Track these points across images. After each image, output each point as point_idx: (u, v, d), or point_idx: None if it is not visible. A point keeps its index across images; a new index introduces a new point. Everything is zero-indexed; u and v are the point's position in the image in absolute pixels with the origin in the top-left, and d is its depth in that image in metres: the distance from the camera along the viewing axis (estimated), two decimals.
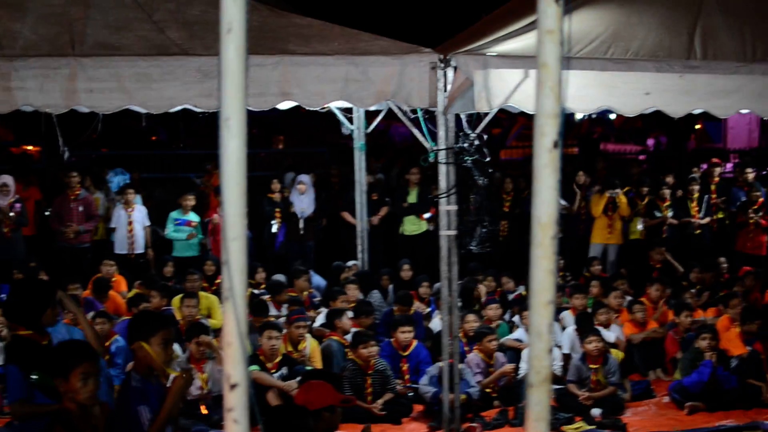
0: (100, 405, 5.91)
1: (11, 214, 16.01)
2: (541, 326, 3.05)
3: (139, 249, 16.95)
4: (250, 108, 10.03)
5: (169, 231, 16.85)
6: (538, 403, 3.07)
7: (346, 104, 12.58)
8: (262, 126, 28.14)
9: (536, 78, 2.99)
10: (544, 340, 3.05)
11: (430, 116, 10.13)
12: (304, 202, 17.39)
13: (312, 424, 6.22)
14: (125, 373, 8.17)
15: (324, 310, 13.87)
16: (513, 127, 32.42)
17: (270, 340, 11.30)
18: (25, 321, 7.01)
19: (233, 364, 3.03)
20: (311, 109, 10.58)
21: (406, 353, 12.37)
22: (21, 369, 6.72)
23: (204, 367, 11.33)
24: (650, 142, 33.22)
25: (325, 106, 11.70)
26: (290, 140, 29.57)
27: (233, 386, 3.03)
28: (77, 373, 5.65)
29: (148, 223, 17.06)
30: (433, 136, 9.97)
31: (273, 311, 13.70)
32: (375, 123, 15.13)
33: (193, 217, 16.85)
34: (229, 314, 3.04)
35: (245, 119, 3.05)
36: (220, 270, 10.89)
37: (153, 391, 6.14)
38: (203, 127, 25.88)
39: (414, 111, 10.43)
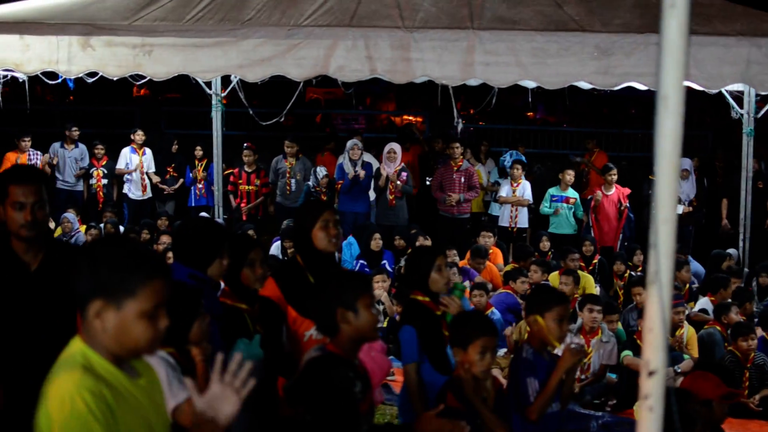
0: (492, 378, 5.96)
1: (398, 182, 16.47)
2: None
3: (522, 224, 17.09)
4: (647, 87, 9.92)
5: (544, 207, 16.85)
6: None
7: (739, 87, 12.13)
8: (640, 106, 27.67)
9: None
10: None
11: None
12: (684, 186, 16.96)
13: (696, 413, 6.03)
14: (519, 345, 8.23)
15: (703, 299, 13.49)
16: None
17: None
18: (418, 286, 7.11)
19: (653, 351, 2.94)
20: (709, 91, 10.28)
21: None
22: (418, 331, 6.84)
23: (591, 342, 11.23)
24: None
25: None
26: None
27: (651, 373, 2.94)
28: (476, 345, 5.70)
29: (530, 200, 17.12)
30: None
31: None
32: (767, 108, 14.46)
33: (572, 194, 16.75)
34: (653, 298, 2.94)
35: (683, 98, 2.94)
36: (597, 250, 10.72)
37: (544, 365, 6.16)
38: (583, 105, 25.73)
39: None
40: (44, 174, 5.57)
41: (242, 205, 17.25)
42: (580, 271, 13.82)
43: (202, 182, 18.02)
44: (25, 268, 5.55)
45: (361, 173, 16.42)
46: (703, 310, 13.02)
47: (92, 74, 11.63)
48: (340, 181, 16.60)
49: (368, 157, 17.16)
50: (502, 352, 11.50)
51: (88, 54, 10.67)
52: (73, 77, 12.04)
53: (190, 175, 18.21)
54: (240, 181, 17.32)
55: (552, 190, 16.86)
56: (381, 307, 12.67)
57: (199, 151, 18.08)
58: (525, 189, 17.12)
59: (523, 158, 18.24)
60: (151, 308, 3.34)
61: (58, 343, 3.96)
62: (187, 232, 5.99)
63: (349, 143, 16.90)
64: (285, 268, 7.13)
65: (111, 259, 3.35)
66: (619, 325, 11.93)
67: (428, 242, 14.67)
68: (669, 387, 2.99)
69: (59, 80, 13.39)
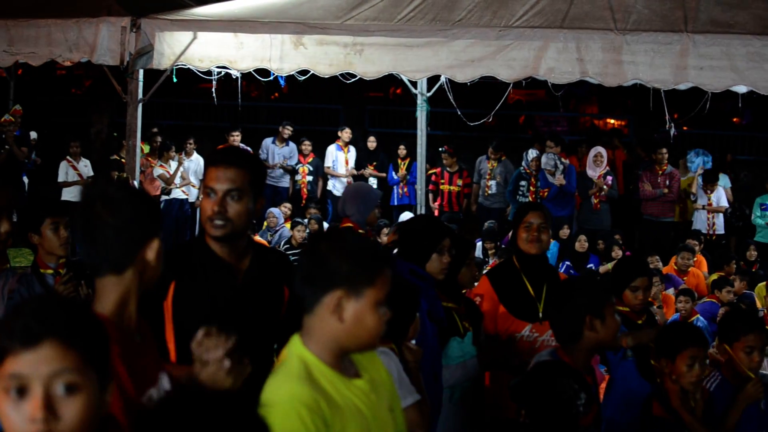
0: (702, 389, 5.77)
1: (604, 186, 16.34)
2: None
3: (719, 230, 16.84)
4: None
5: (754, 216, 16.48)
6: None
7: None
8: None
9: None
10: None
11: None
12: None
13: None
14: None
15: None
16: None
17: None
18: (618, 296, 7.06)
19: None
20: None
21: None
22: None
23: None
24: None
25: None
26: None
27: None
28: (685, 356, 5.50)
29: (726, 205, 16.78)
30: None
31: None
32: None
33: None
34: None
35: None
36: None
37: (731, 395, 5.89)
38: None
39: None
40: (252, 158, 4.63)
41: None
42: None
43: (405, 181, 18.19)
44: (231, 272, 4.51)
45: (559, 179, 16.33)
46: None
47: (303, 72, 11.82)
48: (546, 189, 16.50)
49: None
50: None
51: (300, 52, 10.88)
52: (284, 75, 12.28)
53: (393, 174, 18.41)
54: (442, 181, 17.47)
55: (760, 199, 16.48)
56: None
57: (402, 150, 18.27)
58: (720, 196, 16.79)
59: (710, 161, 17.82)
60: (383, 298, 3.38)
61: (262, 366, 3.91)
62: (409, 229, 6.18)
63: (545, 156, 16.72)
64: (500, 267, 7.28)
65: (350, 249, 3.39)
66: None
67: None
68: None
69: (271, 77, 13.69)
